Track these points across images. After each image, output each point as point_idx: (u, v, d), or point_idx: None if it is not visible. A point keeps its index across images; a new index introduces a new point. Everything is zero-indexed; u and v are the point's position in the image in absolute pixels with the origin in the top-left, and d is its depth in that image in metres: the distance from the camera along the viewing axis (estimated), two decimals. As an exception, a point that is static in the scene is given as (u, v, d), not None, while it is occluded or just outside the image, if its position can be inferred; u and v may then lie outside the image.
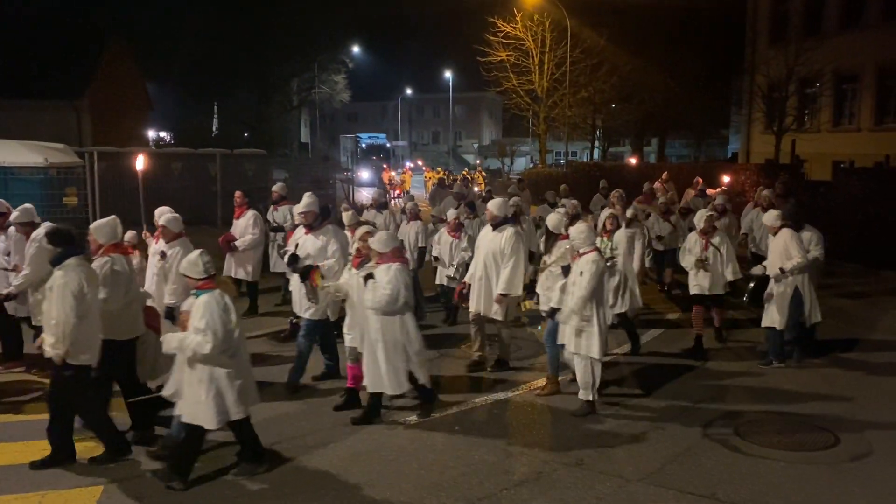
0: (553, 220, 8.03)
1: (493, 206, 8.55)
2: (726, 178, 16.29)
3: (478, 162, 56.03)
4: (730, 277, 9.01)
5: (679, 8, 35.31)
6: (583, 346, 7.02)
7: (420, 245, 11.10)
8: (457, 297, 9.03)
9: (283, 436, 6.58)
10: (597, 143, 44.42)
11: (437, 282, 10.54)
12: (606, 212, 9.34)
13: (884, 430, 6.64)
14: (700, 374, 8.39)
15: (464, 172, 39.13)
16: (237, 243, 10.61)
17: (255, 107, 51.29)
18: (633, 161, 25.73)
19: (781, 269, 8.24)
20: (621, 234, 9.27)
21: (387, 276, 6.55)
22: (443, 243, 10.25)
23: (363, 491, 5.60)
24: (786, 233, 8.39)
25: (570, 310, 7.04)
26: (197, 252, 5.73)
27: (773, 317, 8.41)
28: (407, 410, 7.19)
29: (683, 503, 5.38)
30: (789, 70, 24.85)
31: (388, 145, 55.51)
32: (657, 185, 16.31)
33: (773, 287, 8.41)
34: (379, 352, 6.66)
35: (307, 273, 7.39)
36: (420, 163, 50.28)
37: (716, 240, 9.04)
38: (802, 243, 8.39)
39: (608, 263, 8.21)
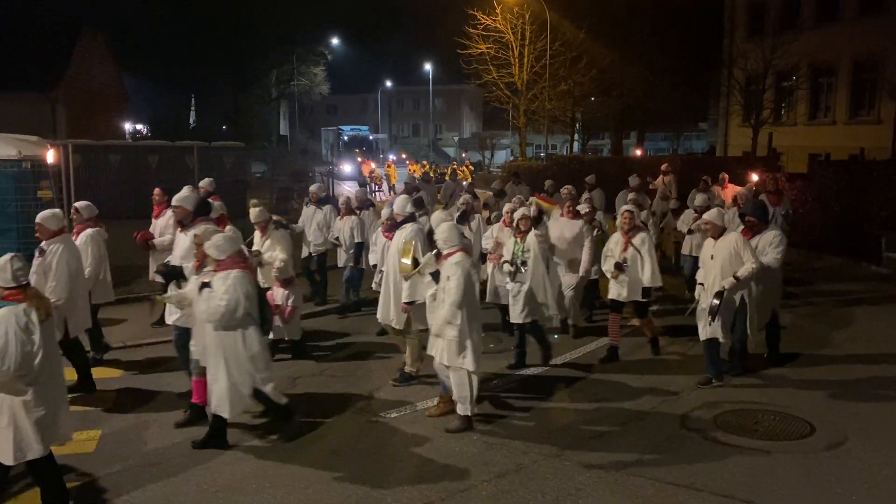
0: (437, 218, 7.47)
1: (396, 204, 8.18)
2: (755, 177, 14.78)
3: (463, 155, 55.85)
4: (647, 283, 8.26)
5: (657, 1, 35.46)
6: (456, 358, 6.40)
7: (357, 240, 10.55)
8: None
9: (261, 430, 6.55)
10: (576, 136, 44.56)
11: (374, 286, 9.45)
12: (521, 211, 8.41)
13: (858, 420, 6.73)
14: (679, 366, 8.45)
15: (453, 165, 39.02)
16: (155, 241, 9.77)
17: (233, 99, 50.92)
18: (638, 153, 24.90)
19: (736, 277, 7.28)
20: (533, 237, 8.22)
21: (224, 284, 5.86)
22: (377, 245, 9.22)
23: (343, 484, 5.58)
24: (734, 235, 7.57)
25: (442, 320, 6.38)
26: (8, 256, 4.93)
27: (714, 328, 7.46)
28: (388, 404, 7.18)
29: (662, 493, 5.42)
30: (766, 63, 25.11)
31: (370, 138, 55.02)
32: (658, 179, 16.06)
33: (707, 297, 7.45)
34: (219, 368, 6.02)
35: (174, 276, 6.62)
36: (404, 156, 49.72)
37: (637, 240, 8.33)
38: (751, 246, 7.55)
39: (516, 268, 8.00)
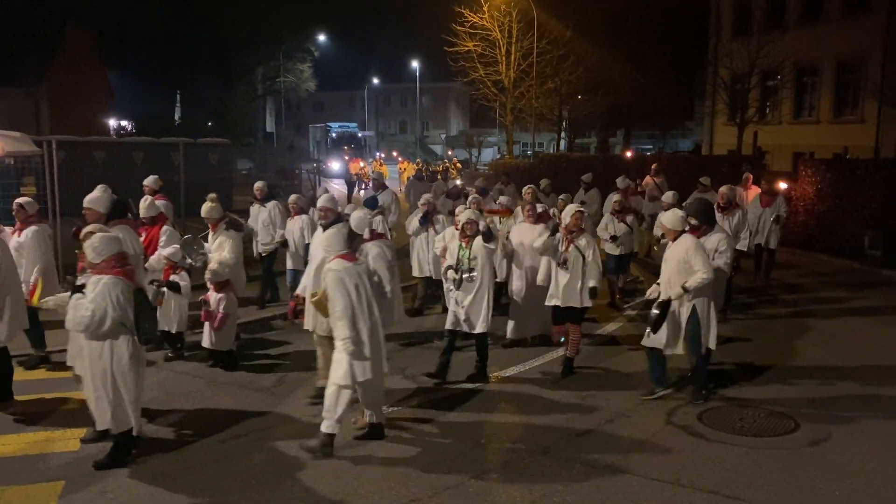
0: (356, 219, 7.06)
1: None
2: (783, 185, 14.04)
3: (449, 153, 55.70)
4: (594, 283, 7.76)
5: (644, 0, 35.59)
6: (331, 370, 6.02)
7: (307, 241, 9.74)
8: (290, 314, 7.48)
9: (245, 429, 6.54)
10: (563, 135, 44.64)
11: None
12: (466, 214, 7.85)
13: (841, 416, 6.79)
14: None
15: (444, 163, 38.94)
16: None
17: (218, 95, 50.59)
18: (628, 154, 24.43)
19: (684, 288, 6.82)
20: (480, 244, 7.59)
21: (93, 291, 5.52)
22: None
23: (330, 482, 5.57)
24: (687, 240, 7.01)
25: (336, 337, 6.00)
26: None
27: (658, 336, 7.04)
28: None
29: (648, 489, 5.46)
30: (752, 62, 25.25)
31: (359, 135, 54.68)
32: (647, 179, 15.64)
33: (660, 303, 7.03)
34: (91, 382, 5.71)
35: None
36: (395, 154, 49.07)
37: (581, 242, 7.77)
38: (706, 253, 7.12)
39: (460, 276, 7.50)
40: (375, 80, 75.53)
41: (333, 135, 51.14)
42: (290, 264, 10.56)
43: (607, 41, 36.12)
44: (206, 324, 7.96)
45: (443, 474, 5.69)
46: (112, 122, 45.03)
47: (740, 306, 11.05)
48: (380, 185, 13.46)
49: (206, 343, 8.03)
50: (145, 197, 9.45)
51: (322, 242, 6.38)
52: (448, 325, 7.72)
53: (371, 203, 11.13)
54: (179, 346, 8.52)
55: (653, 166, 16.23)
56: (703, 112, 34.21)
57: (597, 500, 5.32)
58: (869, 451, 6.03)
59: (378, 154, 45.45)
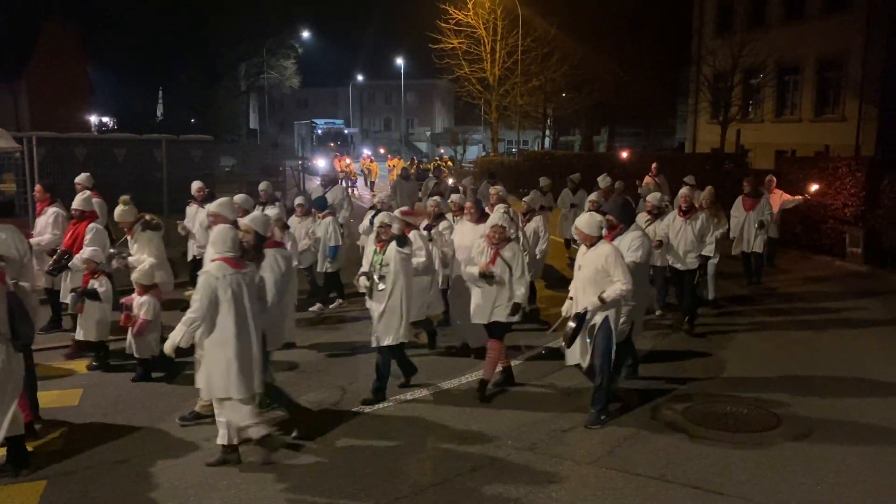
0: (257, 220, 6.46)
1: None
2: (814, 187, 13.78)
3: (441, 151, 55.25)
4: (521, 300, 7.16)
5: (627, -1, 35.81)
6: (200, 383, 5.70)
7: None
8: None
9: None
10: (548, 132, 44.79)
11: None
12: (381, 217, 7.30)
13: (823, 412, 6.87)
14: (649, 358, 8.54)
15: (436, 160, 38.83)
16: (32, 241, 8.68)
17: (201, 92, 50.22)
18: (624, 155, 23.47)
19: (602, 299, 6.30)
20: (394, 250, 7.03)
21: None
22: None
23: (316, 479, 5.56)
24: (605, 247, 6.46)
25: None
26: None
27: (573, 351, 6.63)
28: (358, 398, 7.16)
29: (633, 484, 5.48)
30: (734, 61, 25.42)
31: (346, 131, 54.13)
32: (647, 179, 15.16)
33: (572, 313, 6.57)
34: None
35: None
36: (383, 151, 48.38)
37: (507, 253, 7.17)
38: (624, 264, 6.45)
39: (371, 283, 7.00)
40: (360, 77, 75.36)
41: (319, 131, 50.59)
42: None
43: (592, 39, 36.26)
44: (129, 329, 7.51)
45: (429, 471, 5.69)
46: (93, 119, 44.60)
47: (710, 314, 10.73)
48: (329, 180, 12.83)
49: (128, 350, 7.59)
50: (83, 191, 9.20)
51: (212, 238, 5.78)
52: (373, 343, 7.14)
53: (319, 203, 10.81)
54: (103, 353, 8.06)
55: (653, 165, 15.81)
56: (686, 110, 34.44)
57: (583, 496, 5.34)
58: (850, 447, 6.09)
59: (366, 151, 44.89)
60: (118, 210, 8.17)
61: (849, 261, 14.40)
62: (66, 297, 8.19)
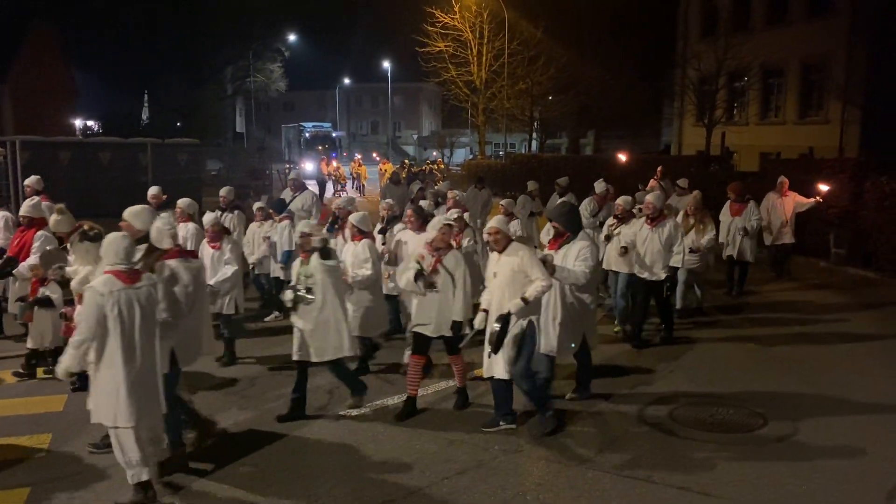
0: (156, 229, 5.94)
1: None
2: (824, 188, 13.11)
3: (434, 154, 54.79)
4: (457, 315, 6.69)
5: (613, 1, 35.94)
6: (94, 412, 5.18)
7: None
8: None
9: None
10: (535, 135, 44.89)
11: None
12: (303, 225, 6.90)
13: (808, 412, 6.91)
14: (636, 359, 8.58)
15: (427, 163, 38.72)
16: None
17: (187, 95, 49.97)
18: (622, 158, 22.64)
19: (524, 300, 6.04)
20: (317, 261, 6.64)
21: None
22: (205, 256, 8.09)
23: (303, 483, 5.54)
24: (519, 249, 6.26)
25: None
26: None
27: (495, 362, 6.26)
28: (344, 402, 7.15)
29: (620, 486, 5.50)
30: (719, 64, 25.61)
31: (334, 135, 53.77)
32: (652, 183, 14.33)
33: (493, 324, 6.14)
34: None
35: None
36: (375, 155, 47.70)
37: (450, 261, 6.76)
38: (539, 262, 6.22)
39: (295, 297, 6.52)
40: (346, 80, 75.27)
41: (307, 135, 50.31)
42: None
43: (578, 42, 36.40)
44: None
45: (416, 474, 5.68)
46: (78, 122, 44.30)
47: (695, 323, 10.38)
48: (298, 185, 12.37)
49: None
50: (31, 197, 8.95)
51: (101, 249, 5.29)
52: (294, 356, 6.75)
53: (277, 205, 10.51)
54: (35, 362, 7.81)
55: (658, 169, 15.15)
56: (672, 113, 34.63)
57: (570, 498, 5.35)
58: (834, 447, 6.14)
59: (357, 155, 44.48)
60: (52, 220, 7.82)
61: (833, 262, 14.52)
62: (14, 308, 7.99)
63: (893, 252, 13.31)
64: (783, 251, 13.10)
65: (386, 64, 68.33)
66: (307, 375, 6.82)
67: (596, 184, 12.05)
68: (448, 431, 6.50)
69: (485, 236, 6.65)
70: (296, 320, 6.66)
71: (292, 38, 59.40)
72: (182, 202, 9.23)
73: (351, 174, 35.98)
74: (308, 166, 42.23)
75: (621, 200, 9.60)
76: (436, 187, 15.88)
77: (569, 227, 6.80)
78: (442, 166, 38.85)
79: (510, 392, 6.46)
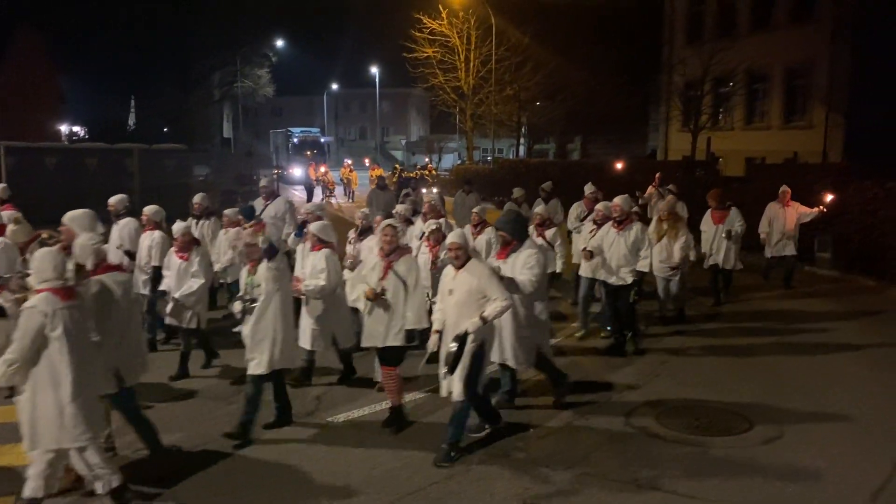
0: (79, 245, 5.64)
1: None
2: (829, 197, 12.67)
3: (426, 159, 54.41)
4: (410, 324, 6.48)
5: (599, 8, 36.15)
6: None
7: (154, 263, 8.64)
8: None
9: (209, 437, 6.45)
10: (522, 140, 45.03)
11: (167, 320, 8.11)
12: (245, 235, 6.65)
13: (793, 415, 6.97)
14: (622, 365, 8.62)
15: (418, 169, 38.56)
16: None
17: (174, 100, 49.75)
18: (618, 166, 22.20)
19: (482, 318, 5.75)
20: (265, 269, 6.37)
21: None
22: (171, 268, 7.88)
23: (292, 489, 5.54)
24: (478, 266, 5.98)
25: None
26: None
27: (452, 382, 5.94)
28: (337, 408, 7.14)
29: (607, 490, 5.53)
30: (704, 69, 25.80)
31: (322, 140, 53.62)
32: (650, 189, 14.30)
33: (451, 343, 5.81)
34: None
35: None
36: (367, 161, 46.97)
37: (401, 267, 6.47)
38: (499, 281, 5.96)
39: (244, 306, 6.35)
40: (334, 86, 75.25)
41: (295, 140, 50.09)
42: (139, 287, 8.94)
43: (564, 48, 36.57)
44: None
45: (404, 480, 5.69)
46: (64, 128, 44.05)
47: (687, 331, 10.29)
48: (270, 193, 11.89)
49: None
50: None
51: (31, 265, 5.00)
52: (249, 370, 6.47)
53: (246, 212, 10.06)
54: None
55: (657, 175, 14.96)
56: (658, 118, 34.85)
57: (557, 502, 5.37)
58: (819, 450, 6.19)
59: (347, 160, 44.00)
60: (9, 229, 7.64)
61: (817, 265, 14.64)
62: None
63: (877, 256, 13.45)
64: (786, 264, 12.61)
65: (374, 69, 68.40)
66: (275, 384, 6.62)
67: (586, 187, 12.06)
68: (434, 437, 6.36)
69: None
70: (242, 330, 6.48)
71: (280, 43, 59.29)
72: (148, 210, 8.92)
73: (341, 180, 35.82)
74: (296, 171, 42.08)
75: (601, 206, 9.48)
76: (423, 193, 15.76)
77: (515, 235, 6.63)
78: (434, 172, 38.65)
79: (466, 413, 6.14)
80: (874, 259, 13.57)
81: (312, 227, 7.60)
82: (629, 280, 8.75)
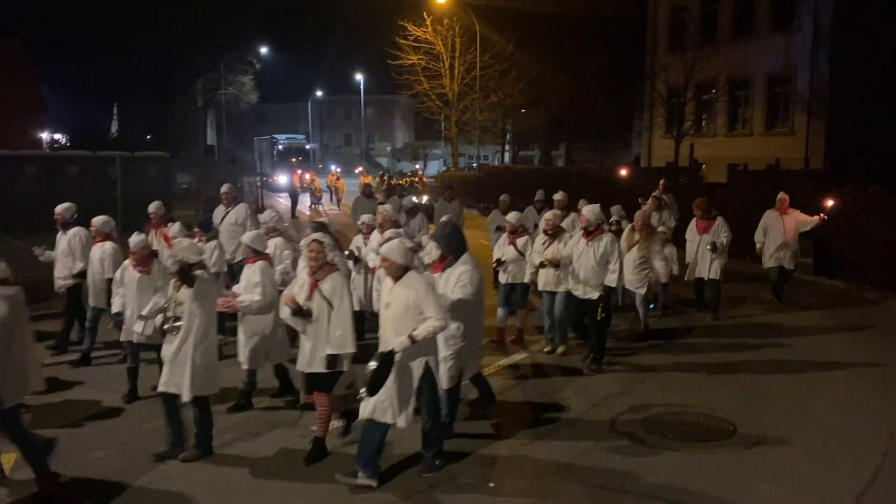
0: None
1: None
2: (830, 202, 11.89)
3: (416, 166, 54.08)
4: (334, 348, 5.89)
5: (583, 16, 36.42)
6: None
7: (108, 276, 8.25)
8: None
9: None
10: (507, 147, 45.21)
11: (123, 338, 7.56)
12: (176, 249, 6.12)
13: (776, 419, 7.01)
14: (608, 370, 8.62)
15: (408, 176, 38.39)
16: None
17: (157, 107, 49.46)
18: (623, 172, 21.84)
19: (412, 338, 5.38)
20: (185, 288, 5.98)
21: None
22: (127, 281, 7.41)
23: (277, 492, 5.49)
24: (416, 280, 5.54)
25: None
26: None
27: (380, 403, 5.55)
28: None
29: (592, 496, 5.52)
30: (687, 76, 26.06)
31: (307, 147, 53.40)
32: (650, 200, 13.19)
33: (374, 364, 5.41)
34: None
35: None
36: (360, 169, 45.86)
37: (326, 286, 5.94)
38: (436, 299, 5.55)
39: (164, 324, 6.00)
40: (319, 93, 75.20)
41: (280, 147, 49.81)
42: (91, 301, 8.77)
43: (548, 56, 36.82)
44: None
45: (388, 488, 5.63)
46: (45, 136, 43.67)
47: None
48: (231, 199, 11.42)
49: None
50: None
51: None
52: (160, 386, 6.12)
53: (205, 225, 9.72)
54: None
55: (661, 182, 14.40)
56: (641, 125, 35.12)
57: (543, 510, 5.37)
58: (803, 454, 6.23)
59: (334, 167, 43.41)
60: None
61: (798, 270, 14.72)
62: None
63: (858, 262, 13.58)
64: (783, 276, 11.84)
65: (358, 76, 68.46)
66: (177, 407, 6.11)
67: (556, 196, 11.62)
68: (419, 446, 6.38)
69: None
70: (163, 350, 6.09)
71: (264, 50, 59.19)
72: (97, 220, 8.60)
73: (328, 187, 35.60)
74: (281, 179, 41.87)
75: (550, 215, 9.02)
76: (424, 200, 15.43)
77: (450, 250, 6.27)
78: (426, 179, 38.33)
79: (382, 443, 5.68)
80: (855, 265, 13.69)
81: (245, 237, 7.23)
82: (595, 295, 8.28)
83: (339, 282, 6.01)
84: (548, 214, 9.13)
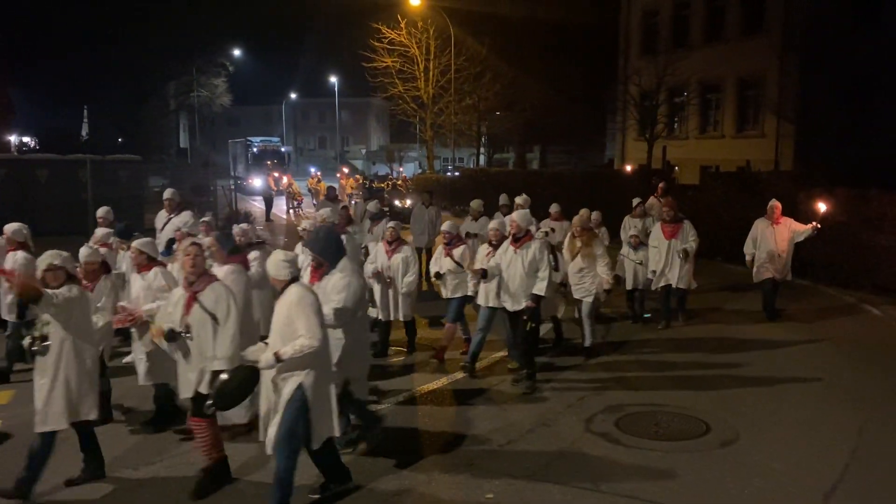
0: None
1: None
2: (823, 207, 10.54)
3: (400, 169, 53.47)
4: (221, 366, 5.29)
5: (555, 19, 36.67)
6: None
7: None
8: None
9: (185, 448, 6.32)
10: (482, 150, 45.35)
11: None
12: (45, 257, 5.48)
13: (749, 418, 7.10)
14: (581, 371, 8.68)
15: (389, 179, 38.05)
16: None
17: (129, 110, 48.88)
18: (628, 168, 21.26)
19: (277, 356, 4.90)
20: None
21: None
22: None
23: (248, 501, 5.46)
24: (293, 293, 5.06)
25: None
26: None
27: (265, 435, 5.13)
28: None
29: (568, 497, 5.55)
30: (659, 80, 26.32)
31: (282, 150, 52.97)
32: (651, 200, 13.04)
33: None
34: None
35: None
36: (346, 170, 45.11)
37: (208, 299, 5.43)
38: (310, 315, 4.97)
39: (31, 345, 5.27)
40: (293, 95, 74.86)
41: (255, 150, 49.27)
42: (3, 314, 8.40)
43: (521, 59, 37.04)
44: None
45: (365, 493, 5.62)
46: (13, 139, 42.96)
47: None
48: (175, 205, 10.86)
49: None
50: None
51: None
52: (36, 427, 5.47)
53: (123, 233, 9.10)
54: None
55: (659, 185, 13.80)
56: (615, 128, 35.40)
57: (519, 511, 5.39)
58: (775, 452, 6.32)
59: (313, 170, 42.66)
60: None
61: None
62: None
63: (826, 262, 13.81)
64: (776, 289, 11.02)
65: (333, 79, 68.21)
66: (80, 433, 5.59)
67: (518, 198, 11.40)
68: (396, 446, 6.39)
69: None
70: (35, 375, 5.40)
71: (237, 52, 58.82)
72: (9, 228, 8.10)
73: (309, 190, 35.17)
74: (256, 182, 41.50)
75: (494, 223, 8.43)
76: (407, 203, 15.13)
77: (326, 257, 5.82)
78: (409, 182, 37.70)
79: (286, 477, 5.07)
80: (823, 266, 13.91)
81: (136, 243, 6.67)
82: (522, 304, 7.74)
83: (221, 291, 5.43)
84: (493, 223, 8.50)
